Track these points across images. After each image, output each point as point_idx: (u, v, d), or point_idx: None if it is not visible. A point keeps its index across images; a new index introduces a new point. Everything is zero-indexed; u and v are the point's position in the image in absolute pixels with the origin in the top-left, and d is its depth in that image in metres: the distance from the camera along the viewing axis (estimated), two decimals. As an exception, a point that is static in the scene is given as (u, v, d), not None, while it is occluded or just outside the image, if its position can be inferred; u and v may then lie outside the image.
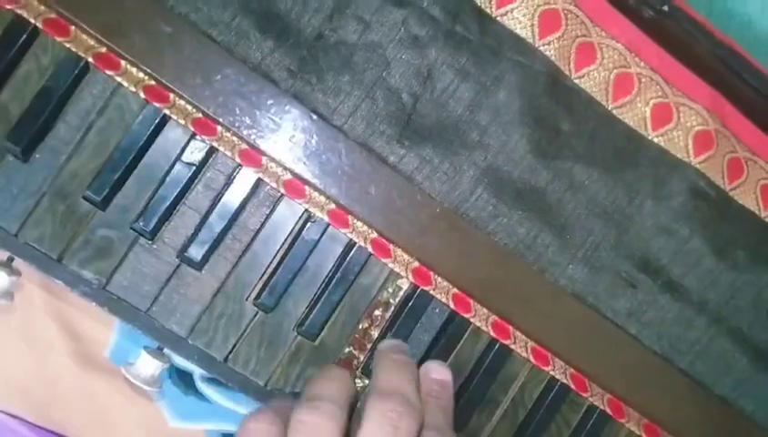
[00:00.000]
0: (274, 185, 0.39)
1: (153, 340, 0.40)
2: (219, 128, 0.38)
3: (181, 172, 0.38)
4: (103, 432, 0.49)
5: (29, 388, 0.47)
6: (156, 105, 0.37)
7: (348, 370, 0.38)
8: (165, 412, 0.48)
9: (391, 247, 0.40)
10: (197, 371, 0.48)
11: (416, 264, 0.40)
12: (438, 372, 0.39)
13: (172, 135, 0.38)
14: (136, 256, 0.38)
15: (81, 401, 0.48)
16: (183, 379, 0.48)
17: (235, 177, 0.39)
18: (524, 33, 0.40)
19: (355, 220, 0.39)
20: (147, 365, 0.40)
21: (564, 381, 0.43)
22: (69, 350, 0.48)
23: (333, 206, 0.39)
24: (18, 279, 0.40)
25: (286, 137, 0.38)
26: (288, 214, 0.40)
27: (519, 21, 0.40)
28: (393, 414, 0.34)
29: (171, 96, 0.37)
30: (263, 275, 0.39)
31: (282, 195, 0.39)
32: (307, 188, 0.39)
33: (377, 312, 0.41)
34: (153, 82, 0.37)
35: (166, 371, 0.41)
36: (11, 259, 0.39)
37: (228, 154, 0.38)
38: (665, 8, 0.41)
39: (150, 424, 0.48)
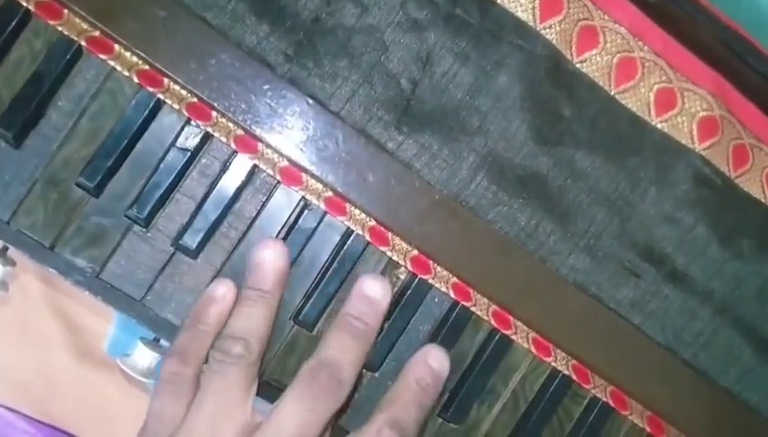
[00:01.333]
0: (270, 172, 0.38)
1: (148, 331, 0.39)
2: (214, 114, 0.37)
3: (175, 158, 0.37)
4: (101, 425, 0.48)
5: (26, 380, 0.47)
6: (150, 89, 0.37)
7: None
8: (162, 404, 0.48)
9: (389, 235, 0.39)
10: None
11: (414, 253, 0.40)
12: (436, 360, 0.38)
13: (166, 120, 0.37)
14: (130, 244, 0.38)
15: (79, 393, 0.48)
16: (180, 371, 0.48)
17: (230, 163, 0.38)
18: (525, 16, 0.39)
19: (352, 208, 0.39)
20: (144, 356, 0.40)
21: (566, 372, 0.42)
22: (66, 343, 0.47)
23: (330, 193, 0.38)
24: (13, 270, 0.39)
25: (282, 122, 0.37)
26: (284, 201, 0.39)
27: (519, 3, 0.39)
28: (317, 387, 0.34)
29: (165, 80, 0.37)
30: (259, 263, 0.39)
31: (278, 182, 0.38)
32: (303, 175, 0.38)
33: (375, 301, 0.40)
34: (147, 66, 0.36)
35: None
36: (5, 249, 0.39)
37: (224, 140, 0.37)
38: (669, -9, 0.40)
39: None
